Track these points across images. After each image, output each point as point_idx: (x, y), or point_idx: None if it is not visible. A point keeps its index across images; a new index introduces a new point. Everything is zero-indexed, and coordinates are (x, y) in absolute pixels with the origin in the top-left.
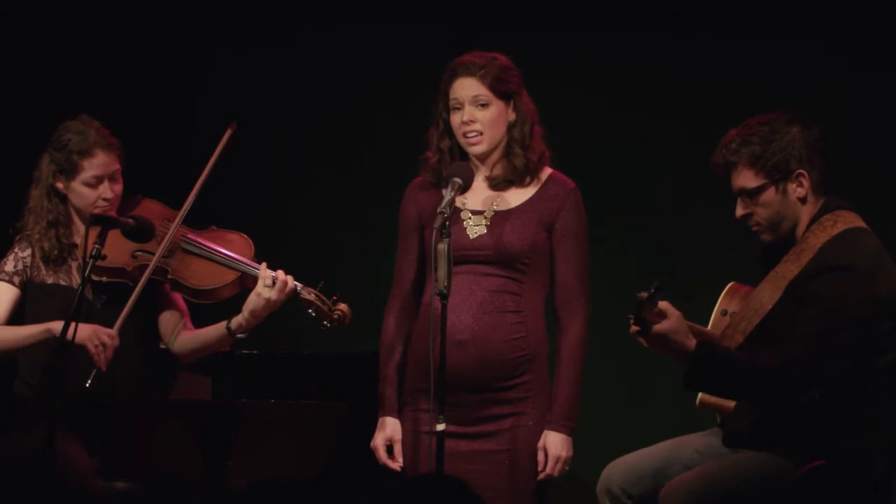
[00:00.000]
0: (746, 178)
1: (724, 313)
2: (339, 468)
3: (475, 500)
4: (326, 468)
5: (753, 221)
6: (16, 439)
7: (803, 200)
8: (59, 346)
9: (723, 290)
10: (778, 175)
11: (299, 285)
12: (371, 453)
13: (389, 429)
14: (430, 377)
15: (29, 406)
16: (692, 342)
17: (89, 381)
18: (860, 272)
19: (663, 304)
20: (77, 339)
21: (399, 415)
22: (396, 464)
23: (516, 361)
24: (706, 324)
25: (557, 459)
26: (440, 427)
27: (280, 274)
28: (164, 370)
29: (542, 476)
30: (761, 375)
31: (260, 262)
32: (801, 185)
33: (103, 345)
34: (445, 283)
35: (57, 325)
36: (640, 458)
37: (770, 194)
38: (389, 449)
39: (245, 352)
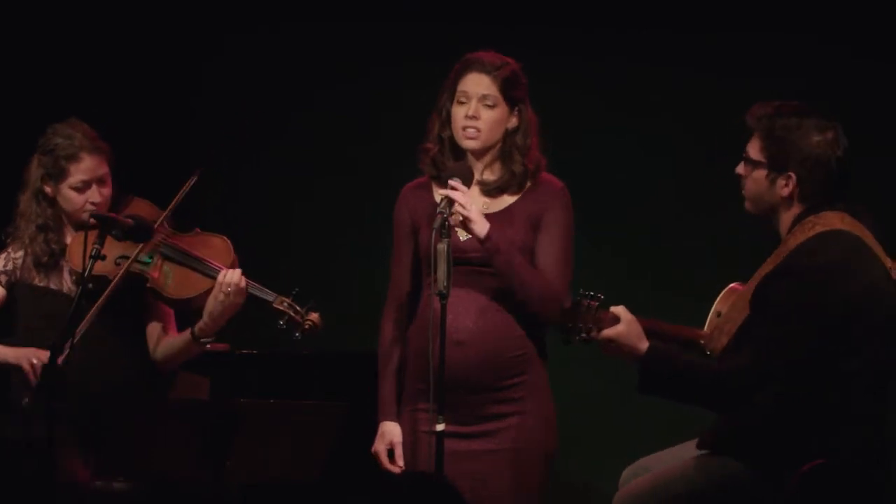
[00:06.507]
0: (753, 148)
1: (718, 315)
2: (339, 468)
3: (473, 500)
4: (326, 468)
5: (742, 185)
6: (14, 441)
7: (786, 200)
8: (58, 350)
9: (721, 290)
10: (773, 164)
11: (272, 295)
12: (371, 453)
13: (390, 433)
14: (430, 377)
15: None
16: (644, 345)
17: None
18: (819, 277)
19: (617, 309)
20: (13, 360)
21: (399, 417)
22: (397, 468)
23: (515, 360)
24: (702, 324)
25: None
26: (440, 427)
27: (233, 275)
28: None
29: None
30: (708, 380)
31: (233, 267)
32: (787, 184)
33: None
34: (445, 283)
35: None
36: (657, 460)
37: (760, 174)
38: (391, 453)
39: (245, 352)
